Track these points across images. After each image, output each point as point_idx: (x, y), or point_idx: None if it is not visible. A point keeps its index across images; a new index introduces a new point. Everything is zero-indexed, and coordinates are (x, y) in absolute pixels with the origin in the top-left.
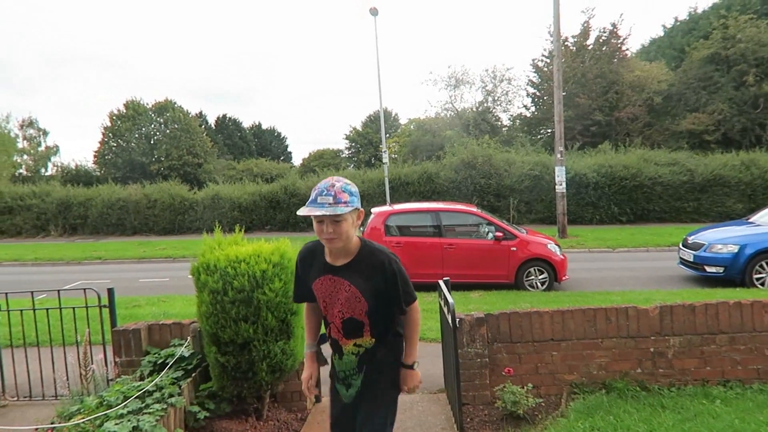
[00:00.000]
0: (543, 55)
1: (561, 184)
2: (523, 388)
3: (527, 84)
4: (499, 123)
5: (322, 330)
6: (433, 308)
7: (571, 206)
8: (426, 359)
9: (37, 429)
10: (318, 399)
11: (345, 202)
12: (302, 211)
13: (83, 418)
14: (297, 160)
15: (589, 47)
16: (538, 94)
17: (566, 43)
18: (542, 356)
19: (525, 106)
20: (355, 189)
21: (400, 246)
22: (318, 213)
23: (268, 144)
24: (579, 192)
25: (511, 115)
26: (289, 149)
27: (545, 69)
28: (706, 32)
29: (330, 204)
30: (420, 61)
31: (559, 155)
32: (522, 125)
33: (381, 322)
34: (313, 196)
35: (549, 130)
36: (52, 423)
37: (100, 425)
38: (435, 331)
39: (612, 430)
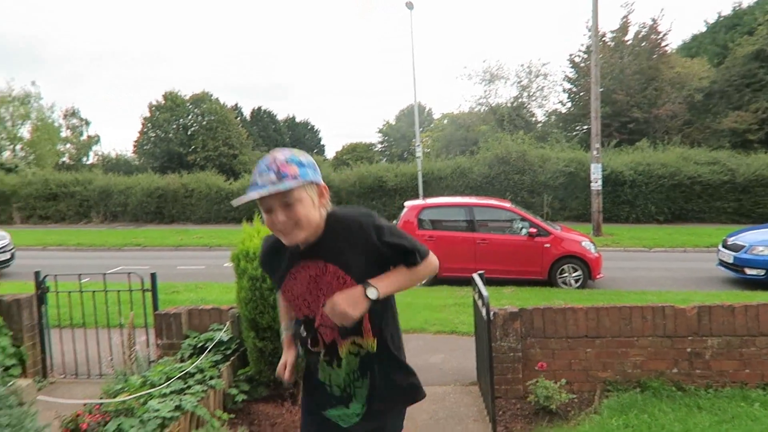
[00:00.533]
0: (580, 51)
1: (597, 182)
2: (556, 383)
3: (563, 79)
4: (534, 119)
5: None
6: (464, 302)
7: (606, 204)
8: (458, 352)
9: (85, 404)
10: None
11: (293, 176)
12: (238, 201)
13: (128, 395)
14: (330, 153)
15: (628, 43)
16: (574, 89)
17: (604, 39)
18: (576, 352)
19: (561, 102)
20: (307, 158)
21: (432, 240)
22: (256, 195)
23: (301, 137)
24: (615, 190)
25: (547, 111)
26: (322, 142)
27: (582, 64)
28: (750, 28)
29: (272, 182)
30: (455, 56)
31: (595, 152)
32: (557, 121)
33: (382, 311)
34: (252, 178)
35: (585, 127)
36: (100, 399)
37: (144, 403)
38: (467, 325)
39: (646, 428)
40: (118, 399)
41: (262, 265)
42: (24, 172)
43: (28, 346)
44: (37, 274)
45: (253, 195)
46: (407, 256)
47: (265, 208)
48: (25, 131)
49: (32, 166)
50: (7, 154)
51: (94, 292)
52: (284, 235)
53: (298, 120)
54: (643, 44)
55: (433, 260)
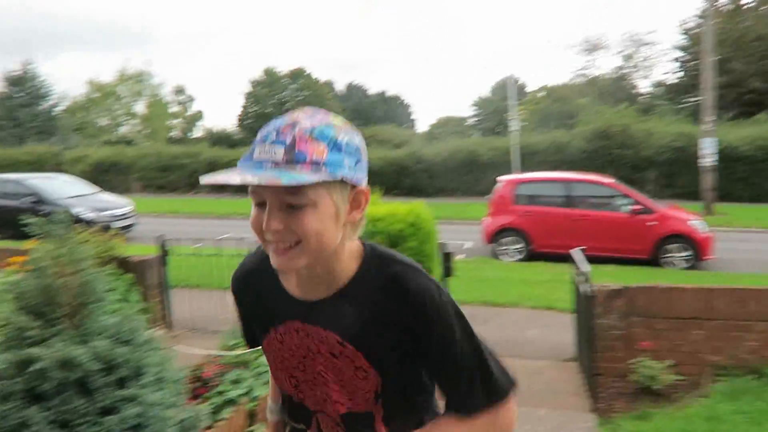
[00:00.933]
0: (692, 17)
1: (709, 157)
2: (660, 363)
3: (673, 47)
4: (638, 90)
5: None
6: (560, 279)
7: (719, 181)
8: (554, 328)
9: (208, 354)
10: None
11: (315, 162)
12: (208, 178)
13: (243, 350)
14: (422, 127)
15: (748, 6)
16: (685, 58)
17: (719, 2)
18: (684, 334)
19: (669, 72)
20: (351, 137)
21: (529, 215)
22: (237, 179)
23: (393, 111)
24: (729, 166)
25: (652, 82)
26: (413, 116)
27: (694, 31)
28: None
29: (276, 163)
30: (552, 27)
31: (707, 126)
32: (664, 93)
33: (403, 414)
34: (251, 147)
35: (696, 98)
36: (219, 351)
37: (256, 358)
38: (564, 302)
39: (759, 415)
40: (234, 353)
41: (234, 294)
42: (141, 146)
43: (153, 302)
44: (160, 238)
45: (233, 178)
46: (464, 387)
47: (256, 200)
48: (139, 107)
49: (147, 139)
50: (125, 128)
51: (210, 255)
52: (274, 251)
53: (389, 94)
54: (764, 7)
55: (506, 416)
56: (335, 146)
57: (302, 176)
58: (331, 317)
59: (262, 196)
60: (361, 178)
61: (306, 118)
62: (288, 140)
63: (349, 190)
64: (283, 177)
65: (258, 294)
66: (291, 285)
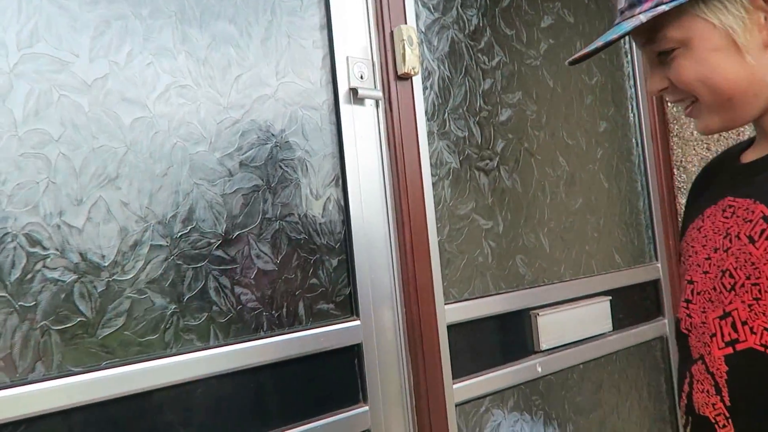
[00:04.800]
0: None
1: None
2: None
3: None
4: None
5: None
6: None
7: None
8: None
9: None
10: None
11: None
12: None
13: None
14: None
15: None
16: None
17: None
18: None
19: None
20: None
21: None
22: (604, 40)
23: None
24: None
25: None
26: None
27: None
28: None
29: (622, 12)
30: None
31: None
32: None
33: None
34: None
35: None
36: None
37: None
38: None
39: None
40: None
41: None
42: None
43: None
44: None
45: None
46: None
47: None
48: None
49: None
50: None
51: None
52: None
53: None
54: None
55: None
56: None
57: (639, 17)
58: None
59: (651, 50)
60: None
61: None
62: None
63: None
64: (622, 27)
65: (706, 184)
66: (750, 154)
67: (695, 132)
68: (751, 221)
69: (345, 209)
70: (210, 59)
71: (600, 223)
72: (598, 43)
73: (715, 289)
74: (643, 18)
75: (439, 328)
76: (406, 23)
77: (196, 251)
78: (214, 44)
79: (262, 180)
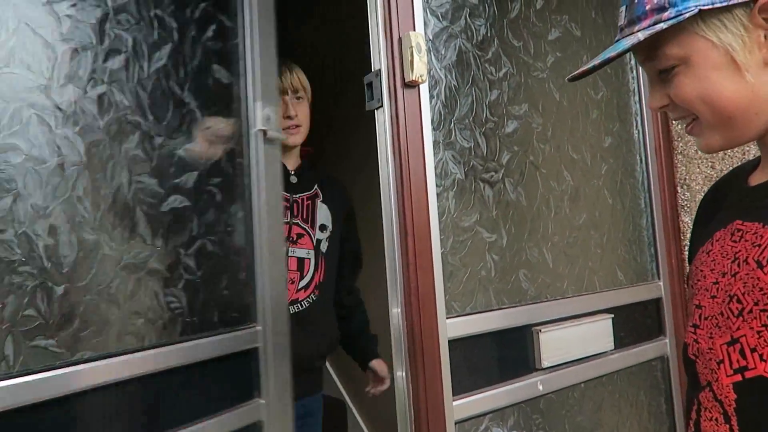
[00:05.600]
0: None
1: None
2: None
3: None
4: None
5: None
6: None
7: None
8: None
9: None
10: None
11: (656, 6)
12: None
13: None
14: None
15: None
16: None
17: None
18: None
19: None
20: None
21: None
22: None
23: None
24: None
25: None
26: None
27: None
28: None
29: (621, 30)
30: None
31: None
32: None
33: None
34: None
35: None
36: None
37: None
38: None
39: None
40: None
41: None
42: None
43: None
44: None
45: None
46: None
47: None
48: None
49: None
50: None
51: None
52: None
53: None
54: None
55: None
56: None
57: (637, 35)
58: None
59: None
60: None
61: None
62: None
63: (743, 12)
64: (621, 45)
65: (714, 207)
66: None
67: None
68: (759, 246)
69: (251, 228)
70: None
71: (603, 240)
72: (596, 61)
73: (722, 314)
74: (641, 36)
75: (440, 342)
76: (414, 30)
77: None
78: None
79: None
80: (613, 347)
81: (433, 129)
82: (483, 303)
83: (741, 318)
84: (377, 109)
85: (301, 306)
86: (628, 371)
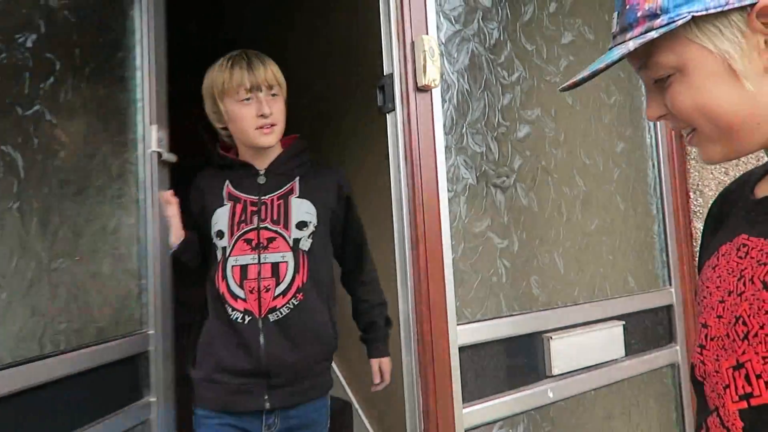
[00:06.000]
0: None
1: None
2: None
3: None
4: None
5: None
6: None
7: None
8: None
9: None
10: None
11: (648, 14)
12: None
13: None
14: None
15: None
16: None
17: None
18: None
19: None
20: None
21: None
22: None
23: None
24: None
25: None
26: None
27: None
28: None
29: (614, 37)
30: None
31: None
32: None
33: None
34: None
35: None
36: None
37: None
38: None
39: None
40: None
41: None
42: None
43: None
44: None
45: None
46: None
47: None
48: None
49: None
50: None
51: None
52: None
53: None
54: None
55: None
56: None
57: (628, 44)
58: None
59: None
60: None
61: None
62: (620, 2)
63: (740, 17)
64: (611, 55)
65: (720, 217)
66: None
67: None
68: (765, 264)
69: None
70: None
71: (615, 246)
72: (585, 72)
73: (728, 336)
74: (632, 45)
75: (451, 349)
76: (427, 34)
77: None
78: None
79: None
80: (624, 354)
81: (445, 133)
82: (494, 309)
83: (746, 341)
84: (389, 113)
85: (281, 314)
86: (639, 379)
